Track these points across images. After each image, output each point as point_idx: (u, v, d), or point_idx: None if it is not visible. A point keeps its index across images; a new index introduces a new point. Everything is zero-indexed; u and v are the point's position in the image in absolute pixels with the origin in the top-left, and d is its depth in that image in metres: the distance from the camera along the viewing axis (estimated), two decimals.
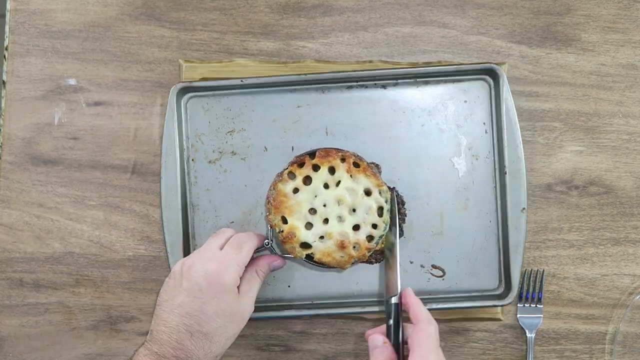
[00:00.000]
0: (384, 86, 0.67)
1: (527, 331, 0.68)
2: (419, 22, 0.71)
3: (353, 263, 0.63)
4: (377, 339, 0.57)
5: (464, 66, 0.66)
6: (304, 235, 0.62)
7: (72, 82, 0.71)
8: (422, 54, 0.71)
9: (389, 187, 0.64)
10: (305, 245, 0.62)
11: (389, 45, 0.71)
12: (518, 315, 0.68)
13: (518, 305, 0.68)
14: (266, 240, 0.63)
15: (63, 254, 0.70)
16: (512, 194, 0.64)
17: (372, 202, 0.62)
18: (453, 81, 0.66)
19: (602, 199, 0.69)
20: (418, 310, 0.58)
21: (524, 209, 0.64)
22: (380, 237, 0.63)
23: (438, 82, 0.66)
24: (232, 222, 0.67)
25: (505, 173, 0.65)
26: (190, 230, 0.67)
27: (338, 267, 0.63)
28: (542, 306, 0.68)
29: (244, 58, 0.71)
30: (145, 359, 0.55)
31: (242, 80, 0.66)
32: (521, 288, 0.68)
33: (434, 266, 0.66)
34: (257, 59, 0.71)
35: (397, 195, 0.65)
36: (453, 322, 0.69)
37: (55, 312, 0.70)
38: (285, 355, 0.69)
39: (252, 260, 0.61)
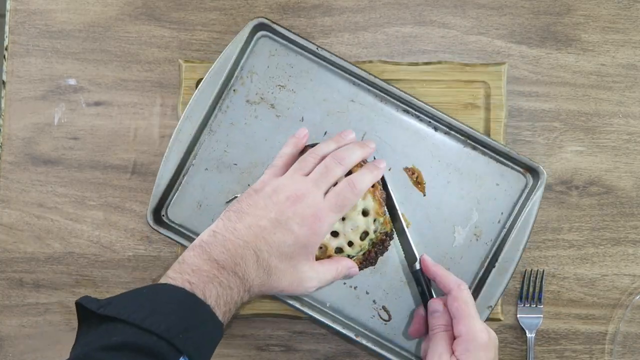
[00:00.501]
0: (435, 128, 0.65)
1: (527, 331, 0.68)
2: (419, 22, 0.71)
3: None
4: (437, 304, 0.59)
5: (513, 153, 0.64)
6: None
7: (72, 82, 0.71)
8: (422, 54, 0.71)
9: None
10: None
11: (389, 45, 0.71)
12: (518, 315, 0.68)
13: (518, 305, 0.68)
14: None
15: (63, 254, 0.70)
16: (488, 289, 0.63)
17: (362, 224, 0.59)
18: (497, 160, 0.65)
19: (602, 199, 0.69)
20: (444, 278, 0.59)
21: (490, 307, 0.63)
22: (348, 255, 0.60)
23: (484, 154, 0.65)
24: (236, 164, 0.65)
25: (494, 267, 0.63)
26: (194, 148, 0.65)
27: None
28: (542, 306, 0.68)
29: None
30: (202, 262, 0.52)
31: (317, 48, 0.65)
32: (521, 288, 0.68)
33: (384, 308, 0.64)
34: None
35: (394, 224, 0.63)
36: None
37: (55, 312, 0.70)
38: (285, 355, 0.69)
39: (341, 258, 0.59)
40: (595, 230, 0.69)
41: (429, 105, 0.64)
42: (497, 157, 0.65)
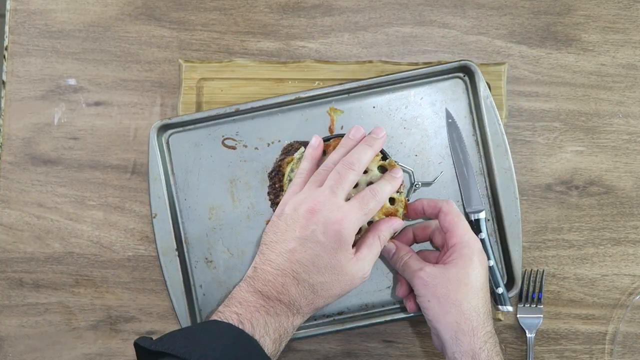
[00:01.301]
0: (368, 95, 0.67)
1: (527, 331, 0.68)
2: (419, 22, 0.71)
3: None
4: (389, 244, 0.62)
5: (438, 65, 0.66)
6: None
7: (72, 82, 0.71)
8: (422, 54, 0.71)
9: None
10: None
11: (389, 45, 0.71)
12: (518, 316, 0.68)
13: (518, 305, 0.68)
14: (416, 183, 0.64)
15: (63, 254, 0.70)
16: (503, 186, 0.65)
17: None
18: (432, 81, 0.66)
19: (602, 199, 0.69)
20: (431, 201, 0.61)
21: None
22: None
23: (421, 84, 0.67)
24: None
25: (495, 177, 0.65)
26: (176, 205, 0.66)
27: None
28: (542, 306, 0.68)
29: (243, 58, 0.71)
30: (248, 295, 0.54)
31: (236, 110, 0.65)
32: (521, 288, 0.68)
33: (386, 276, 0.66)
34: (257, 59, 0.71)
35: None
36: None
37: (55, 312, 0.70)
38: (285, 355, 0.69)
39: (374, 225, 0.59)
40: (595, 230, 0.69)
41: (339, 84, 0.65)
42: (430, 79, 0.66)
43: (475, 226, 0.64)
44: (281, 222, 0.56)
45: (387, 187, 0.59)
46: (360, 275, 0.57)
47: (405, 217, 0.63)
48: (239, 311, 0.53)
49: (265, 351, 0.52)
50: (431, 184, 0.65)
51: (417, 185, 0.64)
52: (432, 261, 0.61)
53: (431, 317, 0.58)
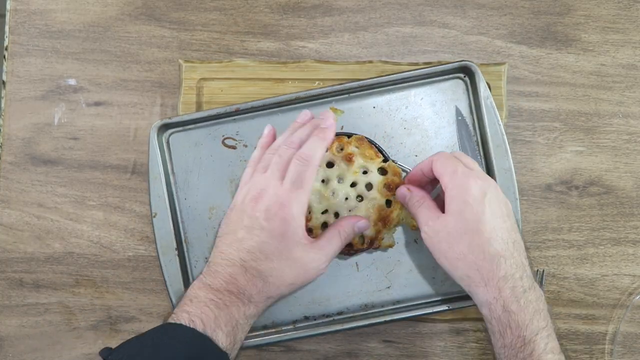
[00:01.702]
0: (372, 94, 0.66)
1: None
2: (419, 22, 0.71)
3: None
4: (402, 188, 0.60)
5: (439, 66, 0.65)
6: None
7: (72, 82, 0.71)
8: (422, 54, 0.71)
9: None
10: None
11: (389, 45, 0.71)
12: None
13: None
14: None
15: (63, 254, 0.70)
16: (503, 187, 0.64)
17: (345, 171, 0.62)
18: (433, 82, 0.66)
19: (602, 199, 0.69)
20: (423, 162, 0.59)
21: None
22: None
23: (422, 85, 0.66)
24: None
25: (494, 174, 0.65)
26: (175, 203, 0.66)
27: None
28: None
29: (243, 58, 0.71)
30: (199, 291, 0.54)
31: (236, 110, 0.65)
32: None
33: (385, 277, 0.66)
34: (257, 59, 0.71)
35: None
36: (453, 322, 0.69)
37: (55, 312, 0.70)
38: (285, 355, 0.69)
39: (337, 221, 0.60)
40: (595, 230, 0.69)
41: (341, 84, 0.65)
42: (430, 79, 0.66)
43: None
44: (232, 214, 0.57)
45: (317, 145, 0.56)
46: (314, 265, 0.56)
47: (407, 220, 0.63)
48: (189, 309, 0.53)
49: (219, 345, 0.52)
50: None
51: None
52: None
53: (447, 272, 0.56)
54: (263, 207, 0.55)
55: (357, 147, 0.63)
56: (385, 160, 0.63)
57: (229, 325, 0.53)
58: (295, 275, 0.56)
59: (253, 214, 0.55)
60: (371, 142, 0.64)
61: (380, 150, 0.64)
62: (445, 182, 0.55)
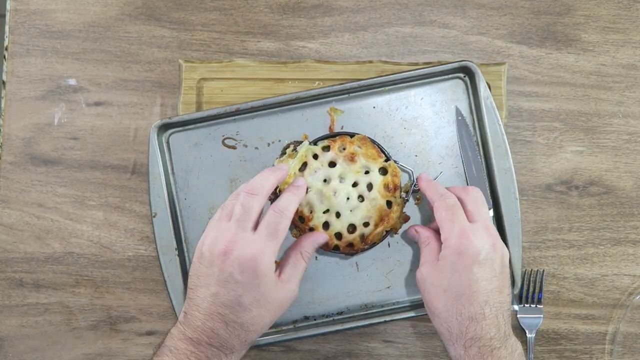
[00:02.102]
0: (371, 94, 0.67)
1: (527, 331, 0.68)
2: (419, 22, 0.71)
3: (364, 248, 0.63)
4: (412, 229, 0.62)
5: (438, 66, 0.66)
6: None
7: (72, 82, 0.71)
8: (422, 54, 0.71)
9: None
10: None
11: (389, 45, 0.71)
12: (518, 316, 0.68)
13: (518, 305, 0.68)
14: (415, 183, 0.63)
15: (63, 254, 0.70)
16: (503, 187, 0.64)
17: (348, 171, 0.63)
18: (432, 81, 0.66)
19: (602, 199, 0.69)
20: (428, 191, 0.60)
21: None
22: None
23: (421, 85, 0.66)
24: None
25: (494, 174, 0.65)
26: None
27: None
28: (542, 306, 0.68)
29: (243, 58, 0.71)
30: (179, 343, 0.54)
31: (236, 109, 0.65)
32: (521, 288, 0.68)
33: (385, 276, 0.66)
34: (257, 59, 0.71)
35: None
36: None
37: (55, 312, 0.70)
38: (285, 355, 0.69)
39: (296, 242, 0.59)
40: (595, 230, 0.69)
41: (341, 84, 0.65)
42: (430, 79, 0.66)
43: None
44: (201, 266, 0.55)
45: (291, 200, 0.57)
46: (289, 296, 0.56)
47: (404, 220, 0.63)
48: None
49: None
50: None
51: (416, 185, 0.64)
52: None
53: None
54: (236, 262, 0.53)
55: (359, 146, 0.63)
56: (387, 160, 0.63)
57: None
58: (274, 315, 0.56)
59: (225, 268, 0.53)
60: (373, 142, 0.64)
61: (382, 150, 0.64)
62: (443, 237, 0.57)
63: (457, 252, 0.55)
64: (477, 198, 0.59)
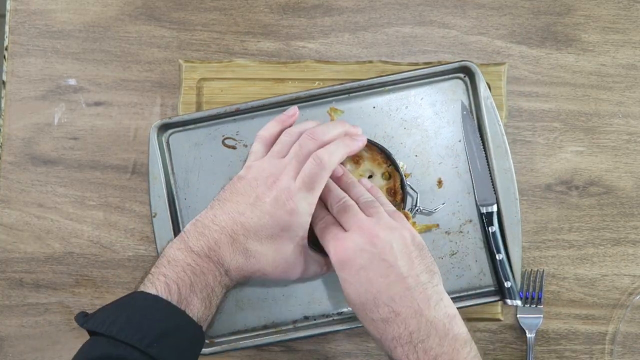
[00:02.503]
0: (371, 94, 0.66)
1: (527, 331, 0.68)
2: (419, 22, 0.71)
3: None
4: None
5: (438, 66, 0.66)
6: None
7: (72, 82, 0.71)
8: (422, 54, 0.71)
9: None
10: None
11: (389, 45, 0.71)
12: (518, 316, 0.68)
13: (518, 305, 0.68)
14: (418, 208, 0.62)
15: (63, 254, 0.70)
16: (503, 187, 0.64)
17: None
18: (432, 82, 0.66)
19: (602, 199, 0.69)
20: (329, 195, 0.58)
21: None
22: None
23: (420, 85, 0.66)
24: None
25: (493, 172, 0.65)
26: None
27: None
28: (542, 306, 0.68)
29: (243, 58, 0.71)
30: (178, 252, 0.54)
31: (236, 110, 0.65)
32: (521, 288, 0.67)
33: None
34: (257, 59, 0.71)
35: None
36: None
37: (55, 312, 0.70)
38: (285, 355, 0.69)
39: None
40: (595, 230, 0.69)
41: (340, 84, 0.65)
42: (430, 79, 0.66)
43: (487, 219, 0.63)
44: (240, 185, 0.56)
45: (340, 152, 0.56)
46: (291, 269, 0.57)
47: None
48: (167, 272, 0.53)
49: (195, 312, 0.52)
50: (432, 213, 0.65)
51: (418, 211, 0.63)
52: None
53: None
54: (273, 194, 0.54)
55: (366, 151, 0.63)
56: (391, 164, 0.63)
57: (204, 292, 0.53)
58: (273, 267, 0.56)
59: (262, 197, 0.55)
60: (382, 149, 0.64)
61: (389, 157, 0.64)
62: (326, 247, 0.55)
63: (339, 267, 0.53)
64: (364, 188, 0.58)
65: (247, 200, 0.55)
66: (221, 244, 0.54)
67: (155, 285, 0.53)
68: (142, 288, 0.53)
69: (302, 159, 0.56)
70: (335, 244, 0.54)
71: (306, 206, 0.55)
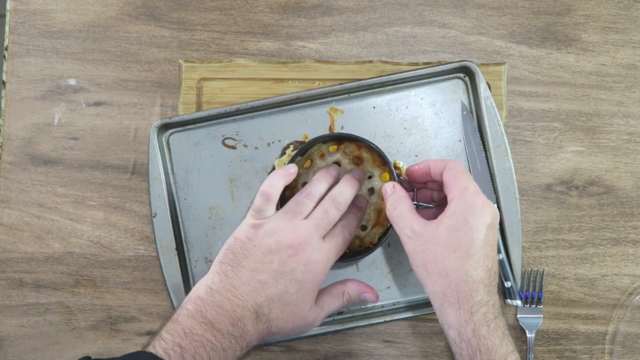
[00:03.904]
0: (373, 94, 0.67)
1: (527, 331, 0.68)
2: (419, 22, 0.71)
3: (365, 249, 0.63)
4: (388, 185, 0.58)
5: (438, 66, 0.66)
6: None
7: (72, 82, 0.71)
8: (422, 54, 0.71)
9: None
10: None
11: (389, 45, 0.71)
12: (518, 316, 0.68)
13: (518, 305, 0.68)
14: (417, 204, 0.60)
15: (63, 254, 0.70)
16: (503, 187, 0.64)
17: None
18: (433, 81, 0.66)
19: (602, 199, 0.69)
20: (436, 162, 0.57)
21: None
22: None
23: (422, 84, 0.67)
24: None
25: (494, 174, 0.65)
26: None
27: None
28: (542, 306, 0.68)
29: (244, 58, 0.71)
30: (196, 325, 0.50)
31: (236, 110, 0.65)
32: (521, 288, 0.67)
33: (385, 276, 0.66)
34: (257, 59, 0.71)
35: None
36: None
37: (55, 312, 0.70)
38: (285, 355, 0.69)
39: (347, 281, 0.59)
40: (595, 230, 0.69)
41: (340, 84, 0.66)
42: (430, 79, 0.66)
43: None
44: (256, 249, 0.53)
45: (356, 218, 0.59)
46: (312, 321, 0.55)
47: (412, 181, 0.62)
48: (183, 343, 0.49)
49: None
50: (432, 207, 0.64)
51: (417, 207, 0.63)
52: (429, 218, 0.55)
53: (419, 281, 0.55)
54: (303, 260, 0.53)
55: (367, 152, 0.63)
56: (390, 171, 0.63)
57: None
58: (294, 327, 0.54)
59: (288, 262, 0.52)
60: (380, 154, 0.63)
61: (386, 163, 0.63)
62: (453, 194, 0.53)
63: (472, 211, 0.52)
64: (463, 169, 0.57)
65: (269, 267, 0.52)
66: (245, 320, 0.51)
67: (170, 356, 0.49)
68: (152, 351, 0.49)
69: (330, 224, 0.55)
70: (476, 190, 0.53)
71: (330, 263, 0.55)
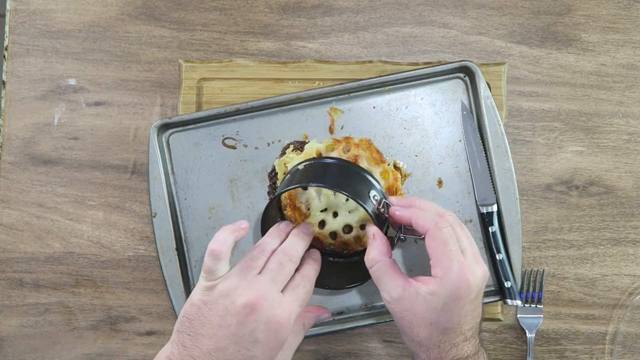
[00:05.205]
0: (372, 94, 0.66)
1: (527, 331, 0.68)
2: (419, 22, 0.71)
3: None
4: (369, 231, 0.56)
5: (438, 66, 0.66)
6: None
7: (72, 82, 0.71)
8: (422, 54, 0.71)
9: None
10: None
11: (389, 45, 0.71)
12: (518, 316, 0.68)
13: (518, 305, 0.68)
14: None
15: (63, 254, 0.70)
16: (503, 187, 0.64)
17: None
18: (432, 81, 0.66)
19: (602, 199, 0.69)
20: (418, 218, 0.54)
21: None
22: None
23: (422, 84, 0.66)
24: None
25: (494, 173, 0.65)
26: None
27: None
28: (542, 306, 0.68)
29: (244, 58, 0.71)
30: None
31: (237, 110, 0.65)
32: (521, 288, 0.67)
33: None
34: (257, 59, 0.71)
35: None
36: None
37: (55, 312, 0.70)
38: None
39: (302, 312, 0.57)
40: (595, 230, 0.69)
41: (340, 84, 0.65)
42: (430, 79, 0.66)
43: (487, 219, 0.64)
44: (212, 313, 0.50)
45: (314, 271, 0.57)
46: (294, 346, 0.55)
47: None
48: None
49: None
50: (422, 238, 0.57)
51: (402, 236, 0.60)
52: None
53: (399, 326, 0.55)
54: (263, 318, 0.49)
55: (364, 150, 0.63)
56: (394, 165, 0.63)
57: None
58: None
59: (247, 324, 0.49)
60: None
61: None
62: (436, 272, 0.52)
63: (455, 295, 0.51)
64: (457, 222, 0.55)
65: (227, 331, 0.49)
66: None
67: None
68: None
69: (285, 277, 0.53)
70: (460, 272, 0.51)
71: (294, 317, 0.52)
